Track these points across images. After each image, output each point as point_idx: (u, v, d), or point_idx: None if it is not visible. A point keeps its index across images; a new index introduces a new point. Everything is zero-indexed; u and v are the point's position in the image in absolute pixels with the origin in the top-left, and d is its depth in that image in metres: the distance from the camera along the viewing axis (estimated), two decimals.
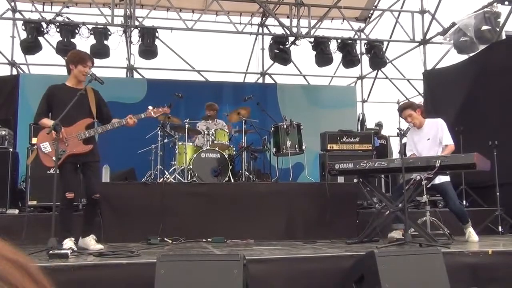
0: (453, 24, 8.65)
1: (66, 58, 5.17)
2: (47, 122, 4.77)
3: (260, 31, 12.52)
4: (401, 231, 5.49)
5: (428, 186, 5.58)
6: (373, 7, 11.97)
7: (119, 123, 4.98)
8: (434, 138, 5.82)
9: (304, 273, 3.80)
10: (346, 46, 9.98)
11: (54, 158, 4.59)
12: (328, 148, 7.84)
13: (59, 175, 4.74)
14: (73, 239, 4.74)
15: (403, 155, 5.30)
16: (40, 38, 9.17)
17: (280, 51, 9.80)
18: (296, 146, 7.44)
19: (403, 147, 5.53)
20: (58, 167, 4.65)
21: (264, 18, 12.27)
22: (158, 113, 5.16)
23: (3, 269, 0.56)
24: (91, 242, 4.92)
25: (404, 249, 4.40)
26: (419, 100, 10.81)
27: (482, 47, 8.25)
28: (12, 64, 11.15)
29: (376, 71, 12.02)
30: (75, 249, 4.53)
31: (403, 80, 12.52)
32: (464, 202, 7.45)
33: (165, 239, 5.73)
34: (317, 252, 4.51)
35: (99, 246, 4.90)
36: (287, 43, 9.89)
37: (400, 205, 5.30)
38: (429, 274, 3.49)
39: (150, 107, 5.13)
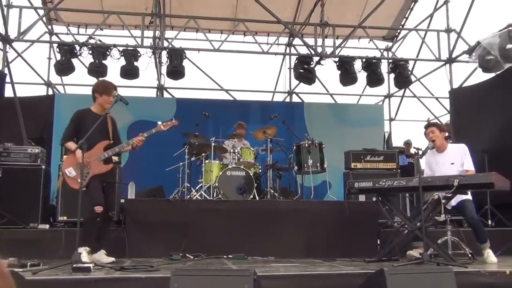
0: (478, 43, 8.63)
1: (92, 87, 5.47)
2: (72, 146, 5.08)
3: (288, 51, 12.73)
4: (421, 250, 5.48)
5: (449, 208, 5.60)
6: (400, 27, 12.02)
7: (127, 144, 5.30)
8: (458, 163, 5.80)
9: None
10: (371, 66, 10.03)
11: (79, 180, 4.87)
12: (352, 166, 7.85)
13: (87, 192, 5.02)
14: (88, 249, 4.94)
15: (420, 174, 5.32)
16: (74, 60, 9.56)
17: (304, 71, 9.93)
18: (318, 164, 7.52)
19: (420, 166, 5.54)
20: (86, 185, 4.99)
21: (291, 38, 12.47)
22: (167, 126, 5.42)
23: None
24: (102, 256, 5.15)
25: (417, 268, 4.41)
26: (447, 119, 10.75)
27: (507, 65, 8.20)
28: (48, 84, 11.64)
29: (403, 89, 12.01)
30: (87, 259, 4.73)
31: (432, 99, 12.46)
32: (490, 222, 7.37)
33: (187, 255, 5.88)
34: (331, 270, 4.57)
35: (111, 259, 5.16)
36: (312, 63, 10.01)
37: (418, 224, 5.31)
38: None
39: (159, 122, 5.41)
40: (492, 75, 8.84)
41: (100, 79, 5.89)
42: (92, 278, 3.94)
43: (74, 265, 4.24)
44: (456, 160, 5.82)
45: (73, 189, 5.07)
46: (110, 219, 5.41)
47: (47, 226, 6.85)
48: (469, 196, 5.69)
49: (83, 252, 4.83)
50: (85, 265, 4.30)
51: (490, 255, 5.44)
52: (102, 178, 5.19)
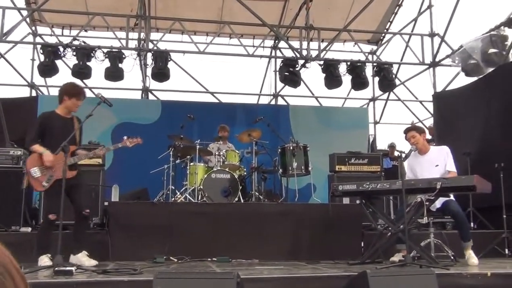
0: (461, 47, 8.73)
1: (61, 88, 5.43)
2: (39, 148, 5.03)
3: (273, 53, 12.76)
4: (404, 252, 5.51)
5: (433, 210, 5.65)
6: (384, 30, 12.13)
7: (93, 153, 5.33)
8: (442, 165, 5.84)
9: None
10: (355, 69, 10.10)
11: (44, 183, 4.90)
12: (337, 169, 7.87)
13: (46, 196, 5.02)
14: (49, 255, 4.90)
15: (404, 177, 5.35)
16: (58, 61, 9.48)
17: (289, 74, 9.95)
18: (303, 167, 7.54)
19: (403, 169, 5.58)
20: (46, 190, 4.98)
21: (276, 41, 12.50)
22: (132, 143, 5.43)
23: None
24: (84, 258, 5.09)
25: (399, 270, 4.44)
26: (431, 122, 10.85)
27: (489, 70, 8.30)
28: (31, 86, 11.52)
29: (388, 92, 12.11)
30: (50, 264, 4.65)
31: (416, 102, 12.59)
32: (472, 224, 7.44)
33: (171, 258, 5.85)
34: (315, 272, 4.58)
35: (94, 262, 5.09)
36: (297, 65, 10.04)
37: (401, 226, 5.34)
38: None
39: (125, 137, 5.43)
40: (474, 79, 8.95)
41: (69, 81, 5.82)
42: (74, 281, 3.90)
43: (56, 269, 4.20)
44: (440, 162, 5.85)
45: (36, 191, 5.04)
46: (85, 219, 5.31)
47: (29, 229, 6.75)
48: (452, 198, 5.75)
49: (45, 259, 4.83)
50: (67, 268, 4.27)
51: (471, 257, 5.48)
52: (66, 183, 5.10)
